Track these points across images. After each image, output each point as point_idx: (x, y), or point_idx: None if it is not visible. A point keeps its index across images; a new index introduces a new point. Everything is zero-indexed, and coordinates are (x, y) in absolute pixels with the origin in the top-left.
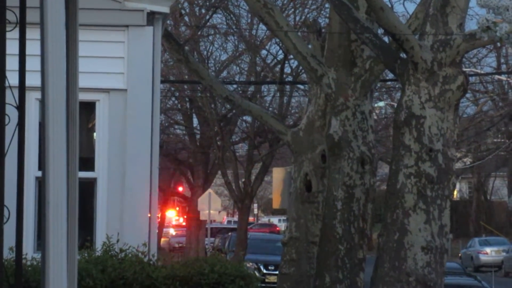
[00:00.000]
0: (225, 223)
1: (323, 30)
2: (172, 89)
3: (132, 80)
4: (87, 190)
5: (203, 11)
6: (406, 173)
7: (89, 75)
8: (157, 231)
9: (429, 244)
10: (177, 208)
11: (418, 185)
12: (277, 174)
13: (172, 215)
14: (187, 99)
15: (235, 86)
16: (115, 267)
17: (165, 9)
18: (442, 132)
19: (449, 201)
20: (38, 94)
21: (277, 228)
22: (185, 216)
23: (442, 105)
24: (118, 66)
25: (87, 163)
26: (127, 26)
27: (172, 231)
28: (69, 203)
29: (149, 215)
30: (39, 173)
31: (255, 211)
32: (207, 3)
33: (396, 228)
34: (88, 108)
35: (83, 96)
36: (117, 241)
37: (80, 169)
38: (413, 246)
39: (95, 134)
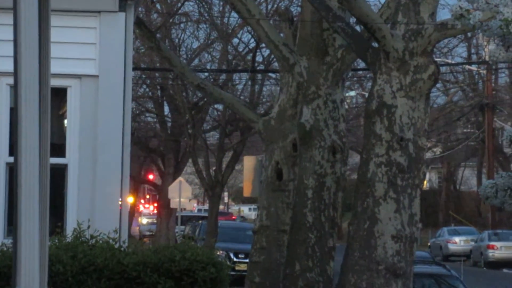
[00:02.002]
0: (195, 211)
1: (295, 19)
2: (144, 76)
3: (104, 66)
4: (58, 177)
5: None
6: (377, 162)
7: (61, 61)
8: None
9: (399, 233)
10: (148, 196)
11: (389, 174)
12: (248, 163)
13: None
14: (158, 86)
15: (207, 74)
16: (86, 254)
17: None
18: (413, 121)
19: (419, 190)
20: (9, 80)
21: (233, 217)
22: (155, 204)
23: (413, 94)
24: (90, 52)
25: (58, 149)
26: (99, 12)
27: (145, 220)
28: (40, 188)
29: (120, 201)
30: (10, 159)
31: (225, 199)
32: None
33: (366, 216)
34: (60, 94)
35: (54, 82)
36: (88, 227)
37: (51, 155)
38: (383, 234)
39: (66, 120)
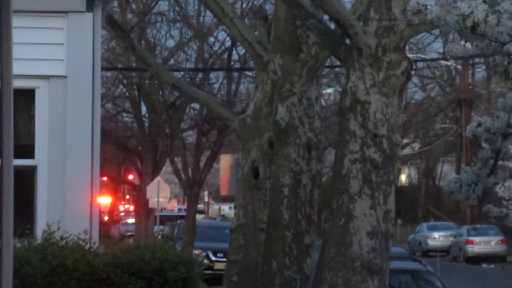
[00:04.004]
0: (176, 210)
1: (269, 17)
2: (120, 76)
3: (72, 67)
4: (27, 178)
5: None
6: (351, 159)
7: (29, 62)
8: (100, 218)
9: (374, 229)
10: (128, 197)
11: (363, 171)
12: (225, 161)
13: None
14: (135, 86)
15: (183, 73)
16: (56, 255)
17: None
18: (386, 117)
19: (394, 186)
20: None
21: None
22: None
23: (386, 90)
24: (57, 52)
25: (27, 150)
26: (66, 12)
27: (131, 220)
28: (3, 190)
29: (90, 201)
30: None
31: (206, 198)
32: None
33: (341, 213)
34: (28, 95)
35: (22, 83)
36: (58, 228)
37: (20, 157)
38: (359, 231)
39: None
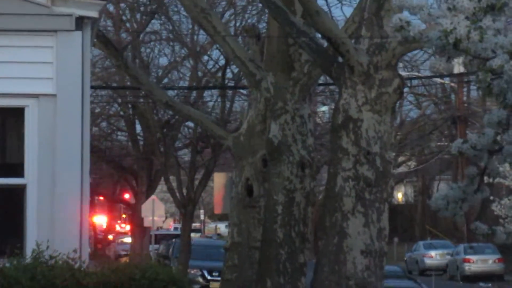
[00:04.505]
0: (172, 229)
1: (262, 35)
2: (114, 95)
3: (61, 85)
4: (16, 197)
5: (144, 17)
6: (344, 176)
7: (18, 80)
8: (96, 237)
9: (368, 247)
10: (124, 216)
11: (356, 188)
12: (219, 179)
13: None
14: (129, 105)
15: (177, 92)
16: (45, 274)
17: (94, 14)
18: (379, 135)
19: (387, 204)
20: None
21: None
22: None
23: (378, 108)
24: (47, 71)
25: (17, 169)
26: (55, 31)
27: (127, 239)
28: None
29: (80, 220)
30: None
31: (202, 217)
32: (147, 9)
33: (335, 231)
34: (18, 114)
35: (11, 102)
36: (47, 247)
37: (10, 175)
38: (352, 249)
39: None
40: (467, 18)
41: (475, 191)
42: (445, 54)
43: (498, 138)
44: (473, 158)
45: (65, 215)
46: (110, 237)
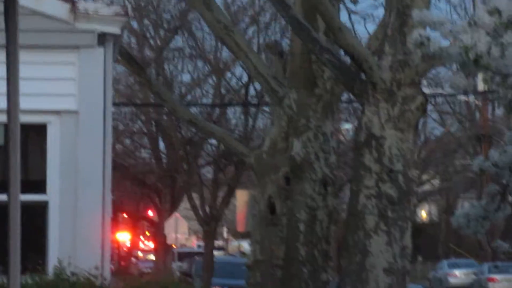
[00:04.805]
0: (195, 247)
1: (285, 52)
2: (138, 112)
3: (84, 102)
4: (38, 213)
5: (168, 34)
6: (366, 194)
7: (40, 97)
8: (119, 254)
9: (391, 265)
10: (147, 233)
11: (379, 206)
12: (241, 197)
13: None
14: (153, 122)
15: (200, 109)
16: None
17: (116, 30)
18: (402, 152)
19: (410, 222)
20: None
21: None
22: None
23: (401, 125)
24: (69, 87)
25: (39, 185)
26: (78, 47)
27: (151, 256)
28: (11, 227)
29: (101, 236)
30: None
31: (225, 235)
32: (171, 26)
33: (357, 250)
34: (40, 130)
35: (34, 118)
36: (69, 264)
37: (32, 192)
38: (375, 267)
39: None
40: (488, 34)
41: (496, 209)
42: (465, 71)
43: None
44: (495, 176)
45: (87, 231)
46: (140, 254)
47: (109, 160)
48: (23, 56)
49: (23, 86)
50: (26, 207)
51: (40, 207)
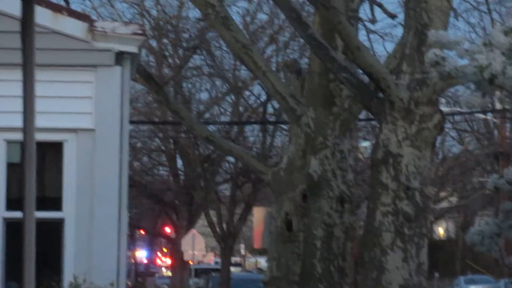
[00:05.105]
0: (213, 264)
1: (303, 70)
2: (156, 130)
3: (100, 120)
4: (54, 230)
5: (186, 52)
6: (383, 211)
7: (57, 115)
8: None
9: (407, 282)
10: (165, 250)
11: (396, 223)
12: (258, 214)
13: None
14: (170, 140)
15: (218, 127)
16: None
17: (134, 49)
18: (419, 170)
19: (426, 239)
20: (6, 135)
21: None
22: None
23: (419, 143)
24: (86, 106)
25: (55, 203)
26: (95, 66)
27: (168, 272)
28: (25, 245)
29: (117, 253)
30: (7, 214)
31: (242, 251)
32: (189, 44)
33: (374, 266)
34: (57, 148)
35: (50, 136)
36: (84, 281)
37: (48, 209)
38: (391, 284)
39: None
40: (503, 53)
41: (510, 226)
42: (481, 90)
43: None
44: (509, 193)
45: (103, 249)
46: (165, 271)
47: (125, 178)
48: (40, 75)
49: (40, 105)
50: (42, 224)
51: (56, 224)
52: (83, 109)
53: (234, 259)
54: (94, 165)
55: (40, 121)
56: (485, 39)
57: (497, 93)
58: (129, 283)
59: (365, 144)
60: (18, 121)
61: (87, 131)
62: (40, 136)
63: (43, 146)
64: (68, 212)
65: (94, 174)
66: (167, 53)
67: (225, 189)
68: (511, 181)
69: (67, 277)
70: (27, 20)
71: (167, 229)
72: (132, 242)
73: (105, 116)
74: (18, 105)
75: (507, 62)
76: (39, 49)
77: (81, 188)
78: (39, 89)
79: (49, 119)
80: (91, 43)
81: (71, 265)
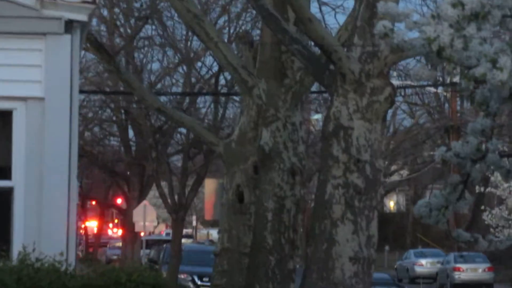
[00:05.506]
0: (164, 235)
1: (255, 42)
2: (107, 100)
3: (50, 89)
4: (4, 199)
5: (138, 22)
6: (334, 184)
7: (6, 83)
8: (87, 241)
9: (357, 254)
10: (116, 221)
11: (346, 196)
12: (209, 185)
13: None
14: (122, 110)
15: (170, 97)
16: (31, 277)
17: (84, 17)
18: (369, 143)
19: (376, 211)
20: None
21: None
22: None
23: (370, 116)
24: (35, 74)
25: (4, 172)
26: (44, 34)
27: (119, 243)
28: None
29: (67, 223)
30: None
31: (194, 223)
32: (141, 14)
33: (324, 238)
34: (6, 117)
35: None
36: (33, 250)
37: None
38: (341, 256)
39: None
40: (451, 26)
41: (457, 198)
42: (430, 62)
43: (482, 146)
44: (457, 166)
45: (52, 218)
46: (115, 242)
47: (75, 147)
48: None
49: None
50: None
51: (5, 193)
52: (33, 77)
53: (186, 230)
54: (43, 134)
55: None
56: (433, 12)
57: (446, 66)
58: (80, 253)
59: (317, 116)
60: None
61: (36, 100)
62: None
63: None
64: (18, 181)
65: (43, 143)
66: (118, 23)
67: (177, 161)
68: (458, 154)
69: (16, 246)
70: None
71: (119, 200)
72: (83, 212)
73: (55, 85)
74: None
75: (455, 35)
76: None
77: (31, 157)
78: None
79: None
80: (40, 10)
81: (20, 234)
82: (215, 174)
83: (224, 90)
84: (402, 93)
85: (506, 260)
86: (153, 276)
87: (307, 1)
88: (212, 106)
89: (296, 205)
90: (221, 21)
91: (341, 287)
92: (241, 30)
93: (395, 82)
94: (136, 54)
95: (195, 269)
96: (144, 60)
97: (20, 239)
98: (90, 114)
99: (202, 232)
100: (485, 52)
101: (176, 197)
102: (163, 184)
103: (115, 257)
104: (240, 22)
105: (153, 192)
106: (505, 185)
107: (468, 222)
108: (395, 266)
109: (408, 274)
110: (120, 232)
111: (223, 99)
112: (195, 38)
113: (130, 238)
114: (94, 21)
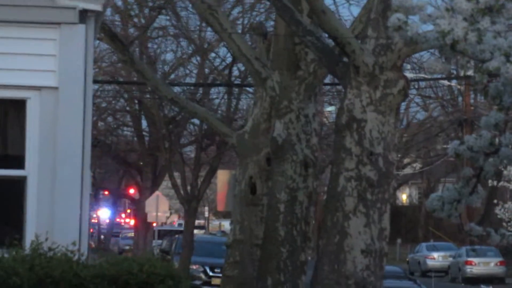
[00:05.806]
0: (176, 225)
1: (269, 34)
2: (121, 90)
3: (64, 78)
4: (17, 188)
5: (152, 12)
6: (346, 176)
7: (20, 72)
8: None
9: (369, 247)
10: (129, 211)
11: (359, 189)
12: (222, 177)
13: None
14: (135, 100)
15: (184, 88)
16: (43, 266)
17: (98, 7)
18: (382, 135)
19: (389, 204)
20: None
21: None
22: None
23: (383, 108)
24: (49, 63)
25: (18, 161)
26: (59, 23)
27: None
28: None
29: (80, 212)
30: None
31: (206, 214)
32: (155, 4)
33: (336, 231)
34: (20, 106)
35: (13, 94)
36: (46, 239)
37: (10, 167)
38: (353, 249)
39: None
40: (465, 19)
41: (470, 192)
42: (443, 55)
43: (495, 140)
44: (470, 159)
45: (65, 207)
46: (128, 232)
47: (88, 137)
48: (4, 31)
49: (4, 62)
50: (4, 182)
51: (19, 182)
52: (47, 67)
53: (198, 221)
54: (57, 124)
55: (3, 78)
56: (447, 5)
57: (460, 59)
58: (92, 243)
59: (330, 108)
60: None
61: (50, 89)
62: (3, 93)
63: (6, 104)
64: (31, 170)
65: (57, 132)
66: (132, 13)
67: (190, 151)
68: (471, 147)
69: (29, 235)
70: None
71: (131, 190)
72: (96, 202)
73: (69, 75)
74: None
75: (469, 28)
76: (2, 5)
77: (44, 146)
78: (2, 46)
79: (12, 76)
80: (54, 0)
81: (33, 223)
82: (228, 165)
83: (238, 81)
84: (416, 86)
85: None
86: (164, 266)
87: None
88: (225, 97)
89: (308, 197)
90: (235, 12)
91: (352, 279)
92: (255, 21)
93: (409, 75)
94: (150, 45)
95: (207, 260)
96: (158, 51)
97: (33, 228)
98: (103, 104)
99: (214, 223)
100: (499, 45)
101: (188, 187)
102: (176, 174)
103: (127, 247)
104: (254, 13)
105: (166, 183)
106: None
107: (480, 216)
108: (407, 259)
109: (420, 267)
110: (132, 222)
111: (236, 90)
112: (209, 28)
113: (143, 228)
114: (108, 11)
